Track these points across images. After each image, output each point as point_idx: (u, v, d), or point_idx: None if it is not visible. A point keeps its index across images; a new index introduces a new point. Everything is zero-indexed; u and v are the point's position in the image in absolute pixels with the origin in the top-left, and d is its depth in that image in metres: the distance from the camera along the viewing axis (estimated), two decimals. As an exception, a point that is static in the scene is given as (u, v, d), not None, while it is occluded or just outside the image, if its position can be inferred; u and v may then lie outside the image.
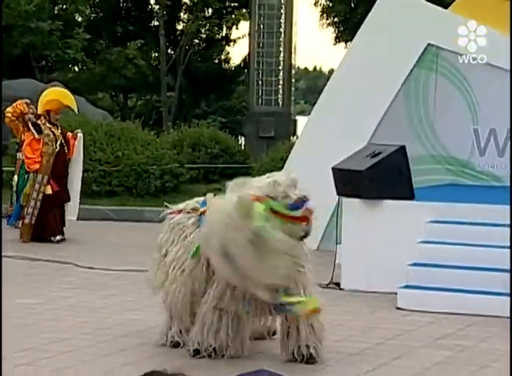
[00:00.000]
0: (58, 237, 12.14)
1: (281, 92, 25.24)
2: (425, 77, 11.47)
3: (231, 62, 34.28)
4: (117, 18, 30.67)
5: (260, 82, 25.01)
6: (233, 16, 31.36)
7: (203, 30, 31.47)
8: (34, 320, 7.47)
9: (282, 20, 24.78)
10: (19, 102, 12.54)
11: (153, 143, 18.08)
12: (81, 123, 18.13)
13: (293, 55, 25.52)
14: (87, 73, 28.87)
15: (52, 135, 11.90)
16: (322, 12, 31.13)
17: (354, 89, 11.54)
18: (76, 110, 12.36)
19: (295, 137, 22.49)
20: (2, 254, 10.65)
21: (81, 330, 7.05)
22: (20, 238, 12.08)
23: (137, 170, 17.05)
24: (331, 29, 31.82)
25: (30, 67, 27.26)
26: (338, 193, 9.64)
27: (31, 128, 11.93)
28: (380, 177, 9.15)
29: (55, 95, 12.20)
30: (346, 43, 29.16)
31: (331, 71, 26.56)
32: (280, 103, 25.14)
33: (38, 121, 12.07)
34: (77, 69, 29.54)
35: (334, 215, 10.75)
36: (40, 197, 12.02)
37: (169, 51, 30.71)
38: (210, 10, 30.99)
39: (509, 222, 8.54)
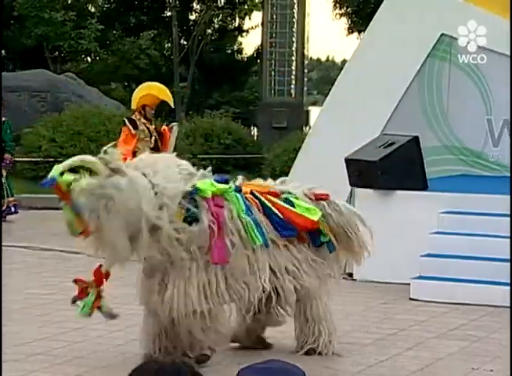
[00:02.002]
0: None
1: (294, 82, 25.21)
2: (439, 67, 11.42)
3: (244, 52, 34.27)
4: (130, 8, 30.67)
5: (272, 73, 25.00)
6: (246, 6, 31.32)
7: (215, 21, 31.45)
8: (46, 310, 7.49)
9: (295, 10, 24.74)
10: None
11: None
12: (94, 113, 18.18)
13: (305, 45, 25.48)
14: (100, 63, 28.88)
15: (147, 131, 11.63)
16: (335, 2, 31.06)
17: (367, 80, 11.50)
18: (172, 104, 11.84)
19: (308, 128, 22.47)
20: (16, 244, 10.70)
21: (93, 320, 7.05)
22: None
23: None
24: (344, 19, 31.77)
25: (44, 58, 27.30)
26: (351, 184, 9.62)
27: (127, 123, 11.63)
28: (393, 168, 9.13)
29: (151, 89, 11.88)
30: (359, 33, 29.09)
31: (344, 62, 26.55)
32: (293, 93, 25.12)
33: (133, 117, 11.69)
34: (90, 59, 29.56)
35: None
36: None
37: (182, 41, 30.70)
38: (223, 0, 30.96)
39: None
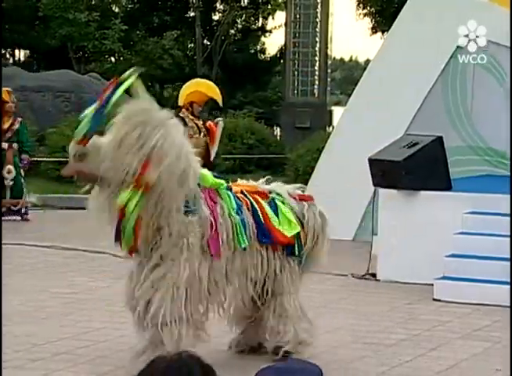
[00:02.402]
0: None
1: (317, 82, 25.17)
2: (462, 66, 11.36)
3: (267, 52, 34.27)
4: (154, 9, 30.75)
5: (296, 73, 24.97)
6: (269, 6, 31.32)
7: (239, 21, 31.48)
8: (70, 310, 7.53)
9: (318, 10, 24.70)
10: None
11: (189, 134, 18.14)
12: (118, 113, 18.24)
13: (329, 45, 25.43)
14: (123, 63, 28.96)
15: (195, 127, 11.49)
16: (359, 2, 31.00)
17: (391, 79, 11.47)
18: (220, 102, 11.63)
19: (331, 128, 22.43)
20: (39, 244, 10.75)
21: (117, 319, 7.08)
22: None
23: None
24: (368, 19, 31.70)
25: (68, 58, 27.44)
26: (375, 184, 9.59)
27: None
28: (416, 168, 9.10)
29: (199, 86, 11.75)
30: (383, 33, 29.01)
31: (367, 62, 26.45)
32: (316, 93, 25.08)
33: (181, 114, 11.42)
34: (113, 60, 29.68)
35: (370, 205, 10.71)
36: None
37: (205, 41, 30.75)
38: (246, 0, 30.99)
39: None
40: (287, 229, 5.93)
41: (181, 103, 11.67)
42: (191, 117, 11.46)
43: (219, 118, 12.04)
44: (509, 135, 11.05)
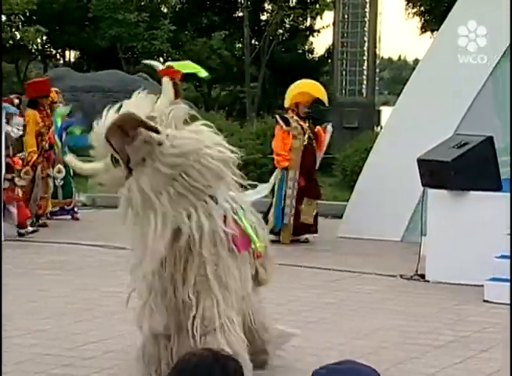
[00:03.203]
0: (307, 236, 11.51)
1: (365, 82, 25.05)
2: (513, 66, 11.25)
3: (315, 52, 34.19)
4: (202, 9, 30.86)
5: (344, 72, 24.88)
6: (318, 5, 31.25)
7: (287, 21, 31.46)
8: (121, 308, 7.59)
9: (366, 10, 24.59)
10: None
11: (237, 134, 18.18)
12: (167, 113, 18.36)
13: (377, 45, 25.30)
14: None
15: (300, 129, 11.35)
16: (408, 1, 30.82)
17: (440, 79, 11.39)
18: (327, 102, 11.49)
19: (379, 128, 22.32)
20: (92, 243, 10.86)
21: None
22: (282, 242, 11.18)
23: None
24: (417, 18, 31.51)
25: (117, 59, 27.66)
26: (423, 184, 9.54)
27: (279, 120, 11.45)
28: (466, 168, 9.03)
29: (306, 87, 11.57)
30: (432, 33, 28.81)
31: (416, 61, 26.32)
32: (364, 93, 24.97)
33: (286, 115, 11.48)
34: (162, 60, 29.85)
35: (419, 206, 10.65)
36: (295, 193, 11.32)
37: (253, 41, 30.78)
38: (294, 0, 30.95)
39: None
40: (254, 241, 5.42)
41: (286, 104, 11.57)
42: (296, 117, 11.34)
43: (327, 123, 11.78)
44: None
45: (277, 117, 11.65)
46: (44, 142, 12.32)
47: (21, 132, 11.79)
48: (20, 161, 11.79)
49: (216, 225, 5.07)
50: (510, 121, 10.57)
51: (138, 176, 4.91)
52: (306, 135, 11.36)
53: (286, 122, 11.40)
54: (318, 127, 11.64)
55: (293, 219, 11.34)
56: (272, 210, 11.38)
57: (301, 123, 11.37)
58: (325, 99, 11.48)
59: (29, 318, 7.12)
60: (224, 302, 5.09)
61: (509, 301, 7.96)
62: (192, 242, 5.03)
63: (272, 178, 11.31)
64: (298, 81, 12.00)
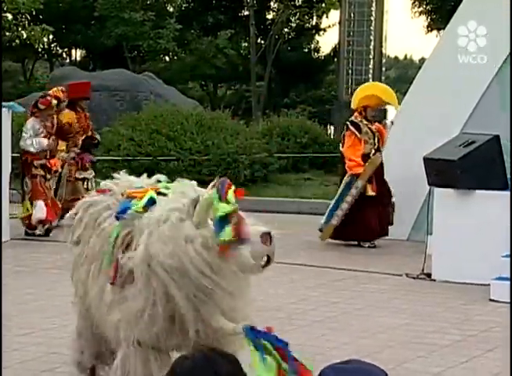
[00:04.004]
0: (372, 243, 11.23)
1: (371, 81, 25.02)
2: (520, 65, 11.23)
3: (321, 51, 34.25)
4: (208, 8, 30.90)
5: (350, 71, 24.87)
6: (323, 4, 31.27)
7: (293, 20, 31.50)
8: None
9: (373, 8, 24.57)
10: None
11: (243, 133, 18.18)
12: (172, 112, 18.38)
13: (383, 43, 25.29)
14: (178, 63, 29.19)
15: (370, 133, 11.13)
16: (415, 0, 30.80)
17: (446, 78, 11.37)
18: (396, 105, 11.12)
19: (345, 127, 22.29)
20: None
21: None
22: (321, 238, 11.22)
23: (226, 159, 17.15)
24: (423, 17, 31.48)
25: (123, 58, 27.71)
26: (430, 183, 9.52)
27: (351, 128, 11.17)
28: (472, 167, 9.01)
29: (374, 90, 11.29)
30: (438, 31, 28.79)
31: (422, 60, 26.29)
32: (370, 92, 24.93)
33: (354, 119, 11.21)
34: (168, 59, 29.88)
35: (425, 205, 10.64)
36: (353, 201, 11.05)
37: (259, 40, 30.80)
38: (300, -1, 30.98)
39: None
40: None
41: (354, 106, 11.30)
42: (365, 121, 11.10)
43: (386, 120, 11.45)
44: None
45: (348, 124, 11.29)
46: (75, 145, 12.18)
47: (41, 148, 11.52)
48: (58, 163, 11.68)
49: None
50: (510, 122, 10.55)
51: None
52: (376, 138, 11.14)
53: (358, 129, 11.14)
54: (376, 124, 11.33)
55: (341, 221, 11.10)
56: (329, 208, 11.28)
57: (370, 126, 11.12)
58: (394, 102, 11.14)
59: (35, 316, 7.12)
60: None
61: (515, 301, 7.96)
62: None
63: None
64: (368, 83, 11.71)
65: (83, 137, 12.45)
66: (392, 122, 11.35)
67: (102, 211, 4.71)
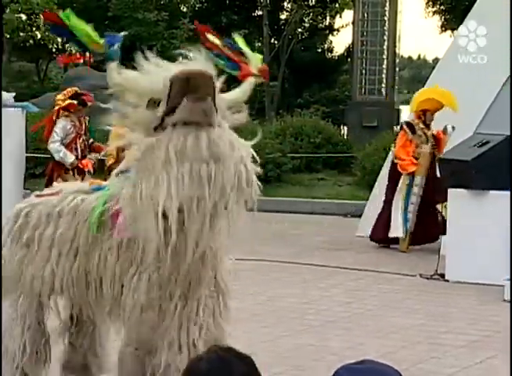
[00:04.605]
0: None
1: (385, 81, 25.00)
2: (534, 65, 11.18)
3: (334, 51, 34.18)
4: (222, 8, 30.90)
5: (363, 71, 24.82)
6: (337, 4, 31.23)
7: (306, 20, 31.46)
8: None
9: (386, 8, 24.52)
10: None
11: (256, 133, 18.18)
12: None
13: (397, 43, 25.23)
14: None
15: (424, 137, 10.96)
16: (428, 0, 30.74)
17: (460, 79, 11.33)
18: (456, 109, 10.70)
19: (399, 127, 22.23)
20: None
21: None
22: (400, 249, 10.92)
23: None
24: (437, 17, 31.40)
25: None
26: (444, 184, 9.51)
27: (405, 127, 11.08)
28: (487, 167, 8.99)
29: (434, 93, 11.01)
30: (452, 31, 28.70)
31: (436, 60, 26.23)
32: (384, 92, 24.91)
33: (411, 121, 11.10)
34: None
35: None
36: (419, 200, 10.90)
37: (272, 40, 30.79)
38: (313, -1, 30.95)
39: None
40: None
41: (412, 109, 11.18)
42: (421, 125, 10.95)
43: (448, 124, 11.04)
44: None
45: (403, 123, 11.21)
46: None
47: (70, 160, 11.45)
48: (90, 163, 11.62)
49: None
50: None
51: (169, 138, 3.90)
52: (429, 144, 10.94)
53: (412, 130, 10.99)
54: (436, 130, 11.10)
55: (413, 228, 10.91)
56: (400, 216, 10.92)
57: (425, 131, 10.95)
58: (454, 106, 10.78)
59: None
60: None
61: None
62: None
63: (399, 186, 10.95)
64: (426, 88, 11.52)
65: None
66: (453, 127, 10.99)
67: (50, 208, 4.54)
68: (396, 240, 10.95)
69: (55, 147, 11.19)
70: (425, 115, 11.01)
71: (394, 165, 11.17)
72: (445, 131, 11.03)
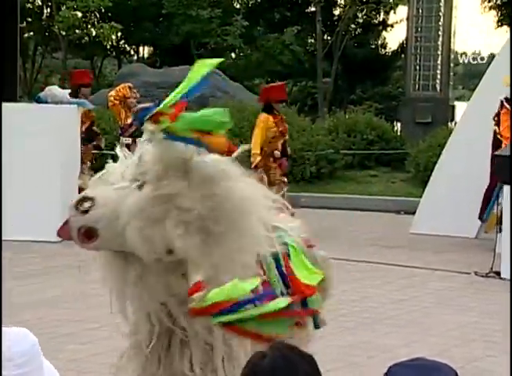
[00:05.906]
0: None
1: (439, 77, 24.78)
2: None
3: (388, 47, 33.98)
4: (275, 4, 30.89)
5: (417, 67, 24.63)
6: (391, 0, 31.02)
7: (360, 15, 31.31)
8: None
9: (441, 4, 24.30)
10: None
11: (309, 129, 18.15)
12: (239, 109, 18.43)
13: (452, 39, 24.99)
14: (244, 59, 29.22)
15: None
16: (484, -6, 30.42)
17: (516, 74, 11.18)
18: None
19: (453, 123, 22.05)
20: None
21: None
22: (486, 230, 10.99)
23: (292, 156, 17.12)
24: (493, 12, 31.04)
25: (190, 55, 27.85)
26: (500, 181, 9.40)
27: (505, 104, 10.66)
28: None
29: None
30: (509, 27, 28.35)
31: (491, 56, 25.91)
32: (438, 88, 24.69)
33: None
34: (234, 56, 29.95)
35: (495, 202, 10.51)
36: None
37: (325, 37, 30.70)
38: (367, -5, 30.79)
39: None
40: (310, 280, 4.31)
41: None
42: None
43: None
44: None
45: (503, 100, 10.75)
46: (276, 149, 11.64)
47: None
48: None
49: None
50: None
51: None
52: None
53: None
54: None
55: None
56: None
57: None
58: None
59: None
60: None
61: None
62: None
63: None
64: None
65: None
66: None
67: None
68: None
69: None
70: None
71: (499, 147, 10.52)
72: None
